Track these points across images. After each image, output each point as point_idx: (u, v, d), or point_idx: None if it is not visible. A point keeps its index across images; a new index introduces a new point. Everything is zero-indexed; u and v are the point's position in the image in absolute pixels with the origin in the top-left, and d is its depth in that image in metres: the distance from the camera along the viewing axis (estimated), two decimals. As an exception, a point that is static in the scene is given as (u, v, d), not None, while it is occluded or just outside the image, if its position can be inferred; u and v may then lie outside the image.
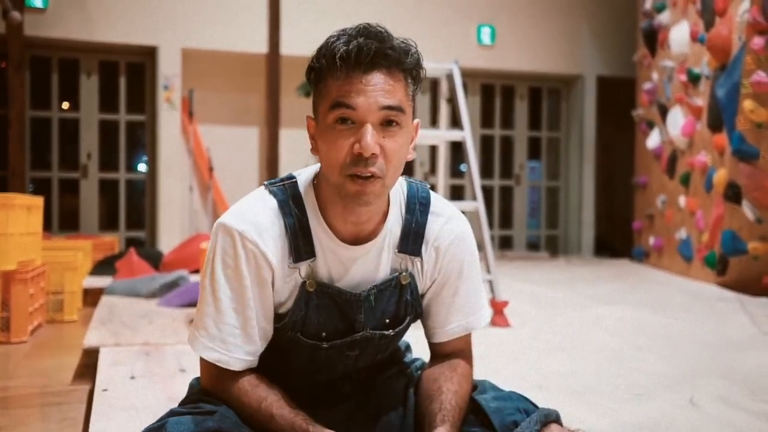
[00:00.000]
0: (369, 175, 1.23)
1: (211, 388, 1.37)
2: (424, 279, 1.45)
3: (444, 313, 1.46)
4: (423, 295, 1.47)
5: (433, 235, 1.42)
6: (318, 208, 1.35)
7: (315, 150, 1.32)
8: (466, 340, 1.50)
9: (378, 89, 1.23)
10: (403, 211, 1.41)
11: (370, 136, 1.22)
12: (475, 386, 1.45)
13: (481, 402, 1.36)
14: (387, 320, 1.42)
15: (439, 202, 1.46)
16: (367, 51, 1.22)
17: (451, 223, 1.44)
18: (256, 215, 1.33)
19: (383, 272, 1.40)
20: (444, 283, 1.45)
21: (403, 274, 1.41)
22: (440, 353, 1.49)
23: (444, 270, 1.44)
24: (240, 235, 1.31)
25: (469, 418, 1.36)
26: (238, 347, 1.33)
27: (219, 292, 1.33)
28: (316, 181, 1.37)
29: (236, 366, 1.34)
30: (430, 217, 1.43)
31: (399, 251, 1.40)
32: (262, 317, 1.35)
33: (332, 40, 1.25)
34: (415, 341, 1.72)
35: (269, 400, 1.30)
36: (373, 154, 1.22)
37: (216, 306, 1.33)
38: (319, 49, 1.27)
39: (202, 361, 1.37)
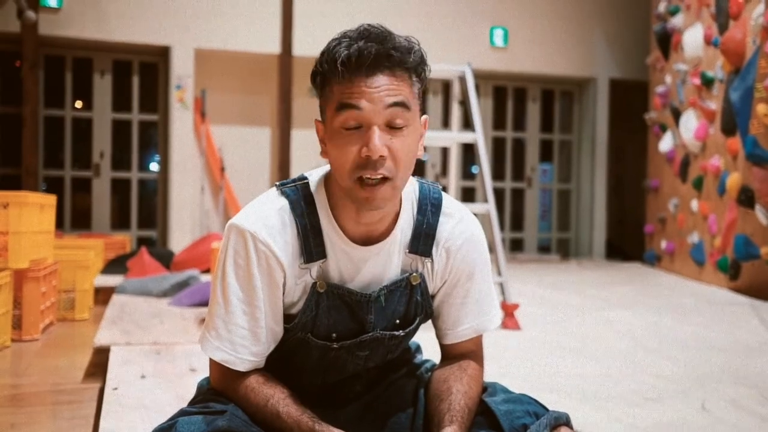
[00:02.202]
0: (379, 177, 1.23)
1: (220, 387, 1.37)
2: (435, 280, 1.44)
3: (455, 314, 1.46)
4: (433, 296, 1.47)
5: (445, 236, 1.42)
6: (329, 209, 1.35)
7: (325, 153, 1.32)
8: (477, 341, 1.49)
9: (382, 90, 1.23)
10: (415, 211, 1.41)
11: (377, 138, 1.22)
12: (485, 388, 1.45)
13: (490, 404, 1.35)
14: (397, 321, 1.42)
15: (450, 203, 1.45)
16: (367, 54, 1.21)
17: (463, 225, 1.44)
18: (268, 216, 1.33)
19: (394, 273, 1.40)
20: (455, 284, 1.45)
21: (414, 274, 1.41)
22: (451, 354, 1.49)
23: (455, 271, 1.44)
24: (252, 236, 1.31)
25: (479, 420, 1.35)
26: (246, 348, 1.33)
27: (229, 294, 1.33)
28: (328, 181, 1.37)
29: (242, 367, 1.34)
30: (441, 218, 1.42)
31: (410, 252, 1.40)
32: (271, 319, 1.35)
33: (333, 44, 1.25)
34: (426, 343, 1.71)
35: (276, 398, 1.30)
36: (381, 156, 1.22)
37: (226, 307, 1.33)
38: (322, 54, 1.27)
39: (211, 361, 1.37)
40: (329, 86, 1.26)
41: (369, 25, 1.26)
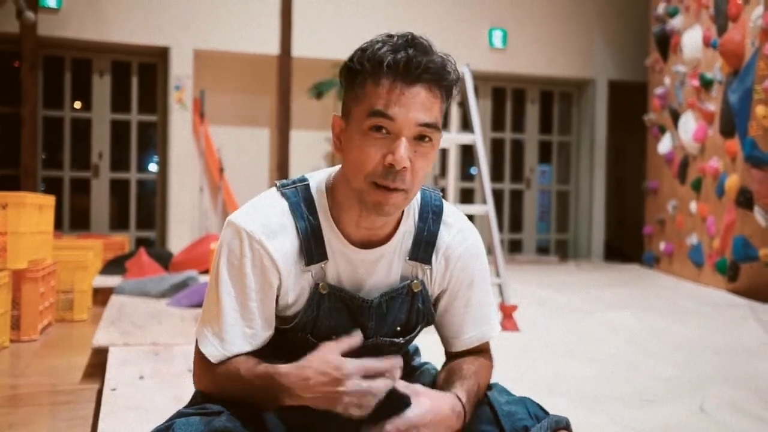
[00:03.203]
0: (395, 188, 1.23)
1: (199, 381, 1.37)
2: (433, 287, 1.44)
3: (458, 323, 1.46)
4: (434, 304, 1.47)
5: (444, 244, 1.42)
6: (330, 212, 1.35)
7: (339, 149, 1.31)
8: (484, 345, 1.50)
9: (418, 103, 1.22)
10: (416, 218, 1.41)
11: (404, 149, 1.21)
12: (489, 387, 1.45)
13: (494, 402, 1.35)
14: (398, 328, 1.42)
15: (451, 211, 1.45)
16: (416, 64, 1.20)
17: (463, 234, 1.44)
18: (266, 216, 1.33)
19: (394, 279, 1.40)
20: (455, 294, 1.45)
21: (415, 281, 1.41)
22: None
23: (454, 279, 1.44)
24: (248, 235, 1.31)
25: (486, 412, 1.35)
26: (235, 345, 1.33)
27: (222, 291, 1.33)
28: (330, 184, 1.37)
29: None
30: (441, 226, 1.42)
31: (410, 258, 1.40)
32: (262, 319, 1.35)
33: (378, 45, 1.23)
34: (424, 345, 1.71)
35: (237, 363, 1.30)
36: (404, 167, 1.22)
37: (218, 304, 1.33)
38: (362, 52, 1.24)
39: (197, 355, 1.37)
40: (363, 87, 1.24)
41: (413, 34, 1.24)
